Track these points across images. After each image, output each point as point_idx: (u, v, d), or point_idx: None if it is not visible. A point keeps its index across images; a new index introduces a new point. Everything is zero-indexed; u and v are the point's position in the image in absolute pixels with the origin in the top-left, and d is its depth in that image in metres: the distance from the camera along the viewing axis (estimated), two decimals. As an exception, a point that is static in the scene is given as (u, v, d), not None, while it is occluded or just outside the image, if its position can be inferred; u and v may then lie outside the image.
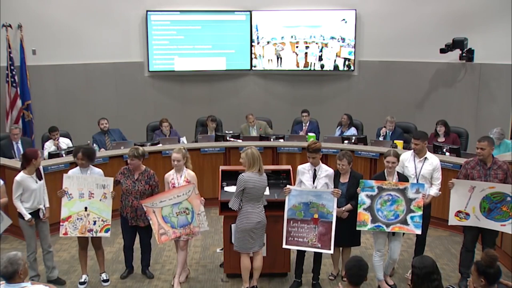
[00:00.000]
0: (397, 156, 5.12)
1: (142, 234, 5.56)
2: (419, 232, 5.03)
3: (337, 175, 5.33)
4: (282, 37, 10.20)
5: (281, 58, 10.29)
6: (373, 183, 5.04)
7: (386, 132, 8.39)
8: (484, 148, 5.09)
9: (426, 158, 5.40)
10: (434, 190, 5.36)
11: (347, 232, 5.31)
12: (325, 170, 5.19)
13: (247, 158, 4.98)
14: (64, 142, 7.94)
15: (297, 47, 10.22)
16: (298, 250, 5.32)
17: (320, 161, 5.28)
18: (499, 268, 3.57)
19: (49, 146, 7.83)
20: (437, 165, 5.39)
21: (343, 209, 5.25)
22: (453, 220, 5.20)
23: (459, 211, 5.13)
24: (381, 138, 8.31)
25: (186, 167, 5.33)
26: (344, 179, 5.31)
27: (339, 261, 5.66)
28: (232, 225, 5.21)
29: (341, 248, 5.59)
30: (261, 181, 5.00)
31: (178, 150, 5.29)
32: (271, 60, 10.32)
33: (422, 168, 5.35)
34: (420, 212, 4.94)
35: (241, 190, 4.92)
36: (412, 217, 4.95)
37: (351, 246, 5.55)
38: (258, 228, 5.05)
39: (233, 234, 5.18)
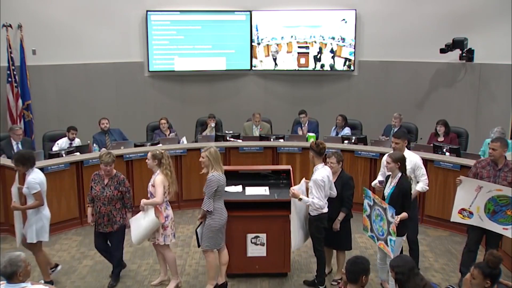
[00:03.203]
0: (393, 158, 4.90)
1: (111, 238, 5.38)
2: (391, 256, 4.78)
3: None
4: (282, 37, 10.20)
5: (275, 59, 10.29)
6: (370, 193, 5.01)
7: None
8: (495, 149, 5.04)
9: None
10: (420, 185, 5.31)
11: (338, 235, 5.29)
12: (314, 174, 5.07)
13: (212, 157, 4.98)
14: (75, 141, 7.97)
15: (298, 47, 10.22)
16: (318, 255, 5.25)
17: (321, 164, 5.12)
18: (500, 268, 3.58)
19: (62, 143, 7.87)
20: (416, 163, 5.32)
21: (338, 219, 5.22)
22: (455, 217, 5.17)
23: (463, 209, 5.09)
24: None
25: (160, 171, 5.13)
26: (333, 178, 5.25)
27: (337, 265, 5.58)
28: (199, 229, 5.12)
29: (334, 251, 5.55)
30: (224, 178, 5.06)
31: (152, 150, 5.24)
32: (261, 60, 10.28)
33: None
34: (395, 238, 4.73)
35: (215, 190, 4.93)
36: (390, 240, 4.80)
37: (340, 250, 5.46)
38: (225, 223, 5.13)
39: (203, 235, 5.08)
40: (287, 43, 10.22)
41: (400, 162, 4.89)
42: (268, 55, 10.28)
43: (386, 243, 4.83)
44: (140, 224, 5.15)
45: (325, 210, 5.08)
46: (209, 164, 4.99)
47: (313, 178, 5.02)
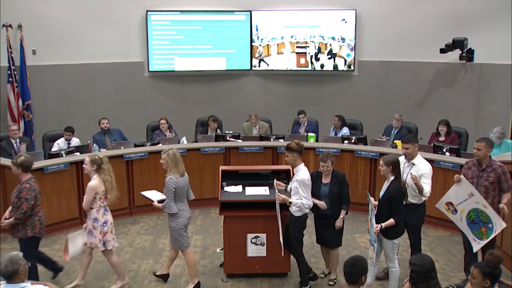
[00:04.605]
0: (385, 161, 4.86)
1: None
2: (374, 261, 4.99)
3: (318, 175, 5.29)
4: (282, 37, 10.20)
5: (262, 60, 10.28)
6: (370, 198, 5.02)
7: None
8: (480, 149, 5.03)
9: (413, 163, 5.20)
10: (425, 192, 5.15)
11: (329, 233, 5.31)
12: (297, 175, 5.06)
13: (170, 160, 5.04)
14: (74, 141, 7.94)
15: (297, 47, 10.22)
16: (297, 255, 5.25)
17: (301, 164, 5.12)
18: (500, 268, 3.58)
19: (61, 143, 7.85)
20: (424, 172, 5.11)
21: (341, 216, 5.24)
22: (441, 206, 5.23)
23: (451, 203, 5.13)
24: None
25: (98, 177, 5.10)
26: (327, 179, 5.26)
27: (331, 263, 5.60)
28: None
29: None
30: (184, 179, 5.14)
31: (90, 155, 5.24)
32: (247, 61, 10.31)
33: (408, 174, 5.15)
34: (377, 244, 4.87)
35: (174, 192, 4.99)
36: (374, 245, 4.87)
37: (332, 248, 5.47)
38: (188, 223, 5.23)
39: (170, 238, 5.25)
40: (287, 43, 10.21)
41: (393, 165, 4.83)
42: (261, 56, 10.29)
43: (374, 247, 4.92)
44: (77, 241, 5.17)
45: (307, 211, 5.10)
46: (168, 166, 5.06)
47: (298, 179, 5.01)
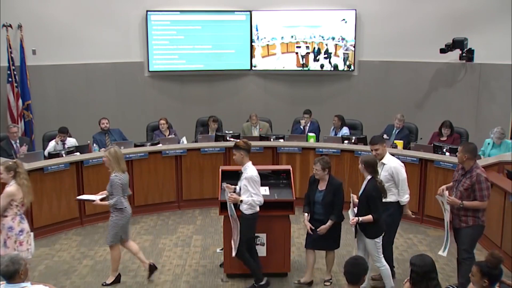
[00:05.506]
0: (363, 160, 4.92)
1: None
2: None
3: (315, 180, 5.26)
4: (282, 37, 10.20)
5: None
6: (352, 194, 5.04)
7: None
8: (458, 153, 5.00)
9: (383, 163, 5.19)
10: (400, 199, 5.18)
11: (326, 237, 5.25)
12: (245, 173, 5.07)
13: (112, 157, 5.18)
14: (70, 141, 7.91)
15: (297, 47, 10.22)
16: (240, 255, 5.16)
17: (249, 162, 5.13)
18: (501, 268, 3.59)
19: (53, 145, 7.80)
20: (395, 170, 5.13)
21: (326, 225, 5.15)
22: (443, 199, 5.19)
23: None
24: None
25: (16, 183, 4.89)
26: (322, 186, 5.21)
27: (327, 264, 5.57)
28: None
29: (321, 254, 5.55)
30: (126, 176, 5.32)
31: (3, 163, 5.03)
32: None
33: (380, 174, 5.10)
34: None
35: (121, 188, 5.17)
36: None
37: (328, 250, 5.45)
38: (129, 220, 5.42)
39: (108, 232, 5.35)
40: (287, 43, 10.22)
41: (371, 164, 4.91)
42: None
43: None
44: None
45: (258, 209, 5.10)
46: (110, 164, 5.19)
47: (247, 176, 5.02)
